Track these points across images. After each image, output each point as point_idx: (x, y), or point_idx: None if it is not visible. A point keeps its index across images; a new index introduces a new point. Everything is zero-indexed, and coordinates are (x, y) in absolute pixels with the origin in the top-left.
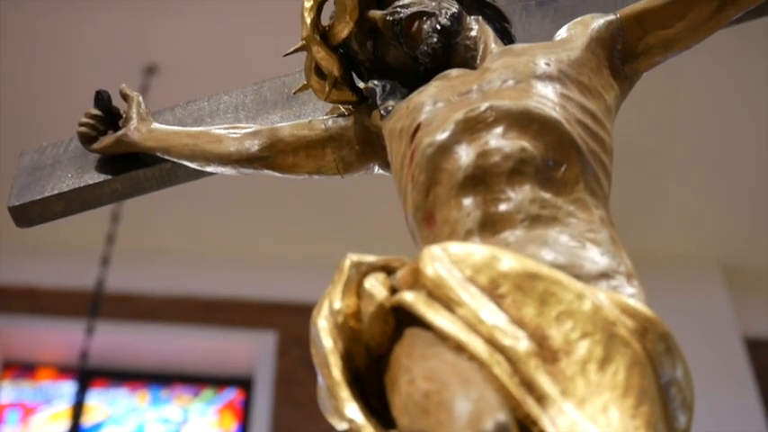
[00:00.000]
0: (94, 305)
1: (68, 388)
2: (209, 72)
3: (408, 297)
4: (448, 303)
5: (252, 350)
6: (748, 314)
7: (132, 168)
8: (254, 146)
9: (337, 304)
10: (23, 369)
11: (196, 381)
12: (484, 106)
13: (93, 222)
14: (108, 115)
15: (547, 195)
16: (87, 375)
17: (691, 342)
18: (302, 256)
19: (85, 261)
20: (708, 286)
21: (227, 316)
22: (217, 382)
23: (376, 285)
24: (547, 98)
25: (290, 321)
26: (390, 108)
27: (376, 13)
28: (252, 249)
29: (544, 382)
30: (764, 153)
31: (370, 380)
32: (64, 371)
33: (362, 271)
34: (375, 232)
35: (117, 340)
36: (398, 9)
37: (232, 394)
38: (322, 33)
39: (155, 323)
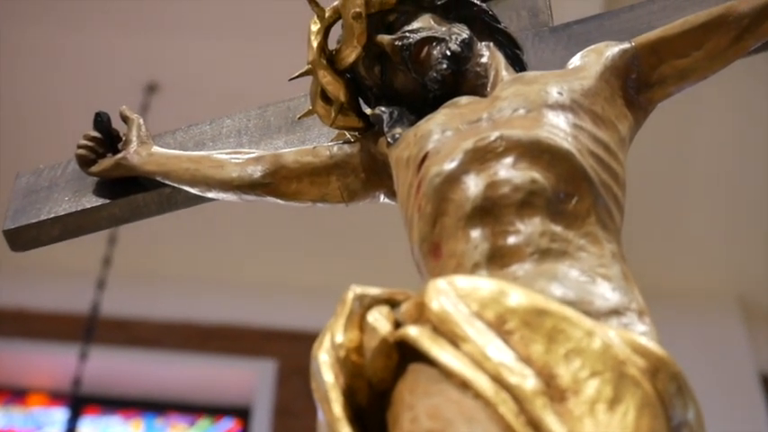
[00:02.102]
0: (89, 330)
1: (60, 415)
2: (210, 91)
3: (412, 332)
4: (453, 339)
5: (250, 379)
6: (765, 349)
7: (131, 192)
8: (256, 172)
9: (339, 338)
10: (14, 394)
11: (192, 409)
12: (494, 135)
13: (89, 244)
14: (107, 137)
15: (557, 228)
16: (80, 402)
17: (706, 377)
18: (304, 283)
19: (80, 284)
20: (724, 320)
21: (226, 343)
22: (213, 411)
23: (379, 319)
24: (559, 128)
25: (290, 350)
26: (397, 135)
27: (384, 38)
28: (252, 275)
29: (551, 422)
30: None
31: (371, 416)
32: (56, 397)
33: (366, 304)
34: (380, 260)
35: (111, 366)
36: (407, 34)
37: (229, 424)
38: (329, 57)
39: (151, 349)
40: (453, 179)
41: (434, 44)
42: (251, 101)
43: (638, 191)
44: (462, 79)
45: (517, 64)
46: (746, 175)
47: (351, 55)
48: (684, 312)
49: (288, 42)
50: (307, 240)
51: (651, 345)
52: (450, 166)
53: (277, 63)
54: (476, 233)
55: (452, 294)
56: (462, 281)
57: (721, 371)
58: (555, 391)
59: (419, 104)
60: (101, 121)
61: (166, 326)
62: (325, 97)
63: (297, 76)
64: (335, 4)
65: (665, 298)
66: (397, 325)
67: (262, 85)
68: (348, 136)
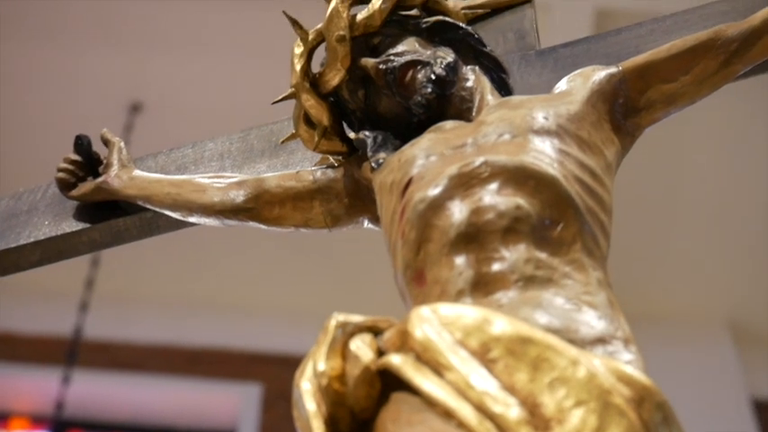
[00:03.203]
0: (71, 353)
1: None
2: (194, 110)
3: (395, 360)
4: (436, 367)
5: (236, 403)
6: (756, 374)
7: (112, 217)
8: (238, 196)
9: (321, 366)
10: None
11: None
12: (479, 161)
13: (72, 266)
14: (88, 161)
15: (542, 255)
16: (62, 426)
17: (697, 402)
18: (289, 306)
19: (62, 306)
20: (715, 345)
21: (211, 367)
22: None
23: (362, 347)
24: (544, 154)
25: (275, 374)
26: (381, 160)
27: (368, 61)
28: (237, 298)
29: None
30: None
31: None
32: (38, 421)
33: (348, 332)
34: (366, 283)
35: (94, 390)
36: (392, 57)
37: None
38: (312, 81)
39: (134, 373)
40: (437, 205)
41: (419, 68)
42: (236, 120)
43: (629, 215)
44: (447, 103)
45: (503, 88)
46: (737, 200)
47: (334, 78)
48: (676, 337)
49: (274, 63)
50: (292, 263)
51: (636, 374)
52: (434, 191)
53: (263, 83)
54: (460, 260)
55: (436, 322)
56: (446, 309)
57: (713, 396)
58: (539, 421)
59: (403, 129)
60: (81, 144)
61: (150, 349)
62: (309, 121)
63: (280, 100)
64: (319, 26)
65: (657, 323)
66: (380, 353)
67: (247, 104)
68: (332, 160)
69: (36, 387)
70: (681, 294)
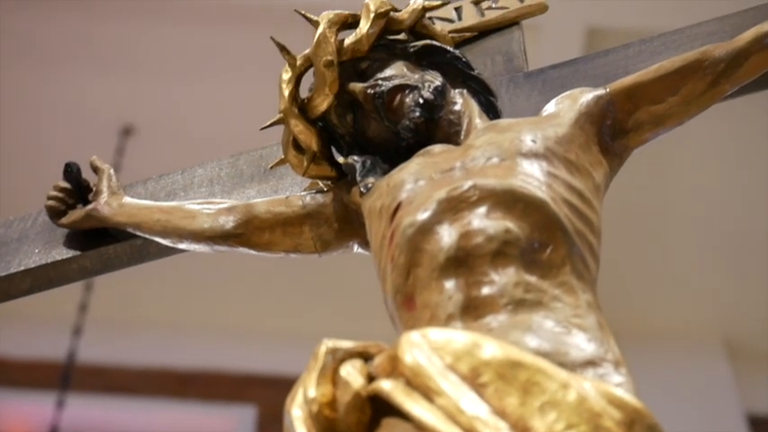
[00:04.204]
0: (65, 377)
1: None
2: (186, 133)
3: (386, 386)
4: (427, 392)
5: (230, 425)
6: (751, 390)
7: (102, 244)
8: (228, 222)
9: (312, 392)
10: None
11: None
12: (467, 185)
13: (66, 290)
14: (77, 188)
15: (531, 278)
16: None
17: (693, 418)
18: (283, 327)
19: (56, 331)
20: (710, 362)
21: (205, 389)
22: None
23: (352, 373)
24: (533, 177)
25: (270, 395)
26: (370, 185)
27: (356, 86)
28: (231, 320)
29: None
30: (765, 226)
31: None
32: None
33: (338, 358)
34: (360, 304)
35: (89, 414)
36: (380, 82)
37: None
38: (300, 106)
39: (129, 397)
40: (426, 229)
41: (407, 92)
42: (228, 142)
43: (623, 233)
44: (435, 127)
45: (491, 111)
46: (730, 216)
47: (323, 103)
48: (671, 354)
49: (266, 87)
50: (285, 284)
51: (627, 396)
52: (423, 216)
53: (255, 106)
54: (450, 284)
55: (426, 347)
56: (436, 333)
57: (708, 411)
58: None
59: (392, 153)
60: (71, 171)
61: (144, 373)
62: (298, 146)
63: (268, 126)
64: (307, 52)
65: (651, 340)
66: (371, 378)
67: (240, 126)
68: (321, 185)
69: (30, 412)
70: (675, 311)
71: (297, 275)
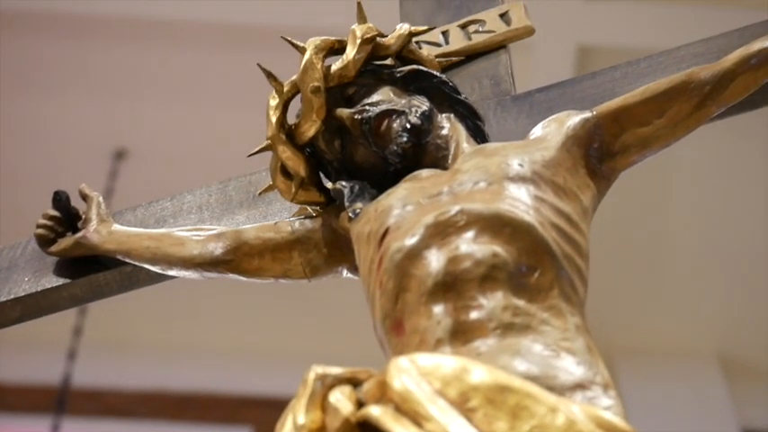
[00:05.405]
0: (60, 401)
1: None
2: (179, 156)
3: (375, 411)
4: (416, 418)
5: None
6: (747, 407)
7: (92, 272)
8: (217, 249)
9: (301, 419)
10: None
11: None
12: (455, 210)
13: (60, 314)
14: (66, 216)
15: (520, 302)
16: None
17: None
18: (278, 348)
19: (50, 355)
20: (705, 378)
21: (201, 411)
22: None
23: (341, 399)
24: (520, 201)
25: (265, 416)
26: (358, 210)
27: (344, 112)
28: (225, 342)
29: None
30: (760, 242)
31: None
32: None
33: (327, 384)
34: (354, 326)
35: None
36: (367, 107)
37: None
38: (288, 132)
39: (124, 420)
40: (414, 255)
41: (394, 117)
42: (221, 165)
43: (617, 252)
44: (423, 152)
45: (478, 135)
46: (725, 233)
47: (310, 129)
48: (666, 371)
49: (259, 112)
50: (280, 306)
51: (616, 420)
52: (411, 241)
53: (247, 130)
54: (438, 309)
55: (414, 372)
56: (424, 359)
57: (704, 429)
58: None
59: (380, 178)
60: (60, 199)
61: (140, 395)
62: (286, 172)
63: (256, 152)
64: (294, 78)
65: (647, 358)
66: (360, 404)
67: (232, 150)
68: (310, 210)
69: None
70: (671, 329)
71: (291, 298)
